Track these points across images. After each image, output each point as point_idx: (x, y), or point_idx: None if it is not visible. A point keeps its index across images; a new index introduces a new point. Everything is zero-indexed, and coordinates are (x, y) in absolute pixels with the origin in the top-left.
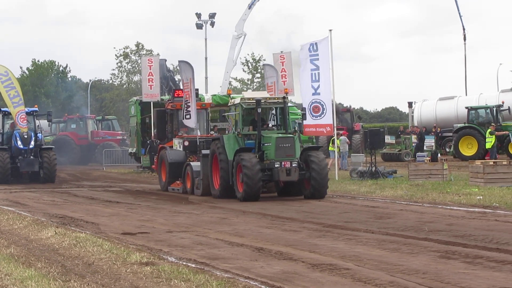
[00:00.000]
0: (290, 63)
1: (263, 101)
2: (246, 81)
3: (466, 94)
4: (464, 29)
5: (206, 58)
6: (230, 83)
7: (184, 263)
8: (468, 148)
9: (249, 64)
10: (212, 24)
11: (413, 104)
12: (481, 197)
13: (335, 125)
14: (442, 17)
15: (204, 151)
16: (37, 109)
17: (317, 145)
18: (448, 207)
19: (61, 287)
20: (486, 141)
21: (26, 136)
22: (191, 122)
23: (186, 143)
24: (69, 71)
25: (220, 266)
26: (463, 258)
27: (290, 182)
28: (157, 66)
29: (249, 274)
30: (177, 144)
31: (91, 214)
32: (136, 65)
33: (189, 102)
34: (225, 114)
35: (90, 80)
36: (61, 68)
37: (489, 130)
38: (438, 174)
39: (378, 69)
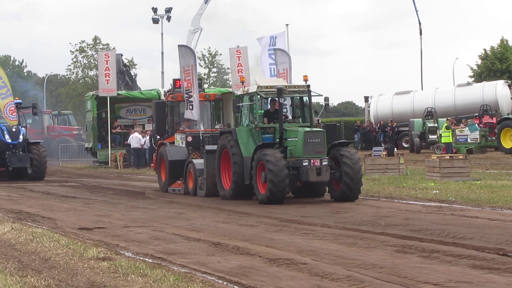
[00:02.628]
0: (246, 58)
1: (284, 89)
2: (203, 75)
3: (422, 89)
4: (420, 24)
5: (162, 53)
6: None
7: (141, 258)
8: (510, 140)
9: (206, 59)
10: (168, 18)
11: (369, 99)
12: (437, 191)
13: None
14: (398, 12)
15: (208, 147)
16: (20, 101)
17: (347, 140)
18: (405, 202)
19: (18, 283)
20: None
21: (14, 130)
22: (193, 114)
23: (190, 139)
24: (26, 66)
25: (177, 261)
26: (419, 253)
27: (311, 182)
28: (113, 61)
29: (206, 269)
30: (179, 139)
31: (47, 209)
32: (93, 60)
33: (191, 92)
34: (239, 104)
35: (46, 75)
36: (17, 63)
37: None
38: (395, 168)
39: (334, 64)
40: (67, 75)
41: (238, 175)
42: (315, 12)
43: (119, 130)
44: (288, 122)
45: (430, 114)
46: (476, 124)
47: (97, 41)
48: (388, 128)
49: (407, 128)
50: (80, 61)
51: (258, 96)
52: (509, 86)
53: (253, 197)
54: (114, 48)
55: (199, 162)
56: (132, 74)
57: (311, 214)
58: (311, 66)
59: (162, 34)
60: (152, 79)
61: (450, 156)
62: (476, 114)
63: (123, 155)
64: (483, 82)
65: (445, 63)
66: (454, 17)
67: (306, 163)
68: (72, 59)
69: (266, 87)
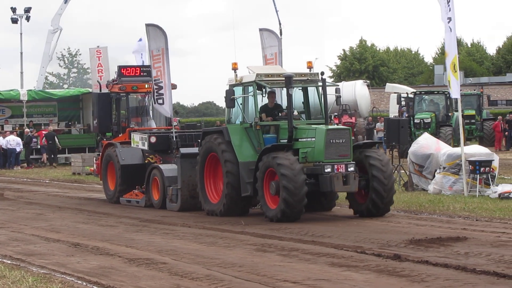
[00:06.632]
0: (106, 57)
1: (294, 77)
2: (62, 76)
3: None
4: (280, 24)
5: (21, 53)
6: (46, 78)
7: None
8: None
9: (66, 59)
10: (28, 18)
11: None
12: None
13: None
14: (258, 12)
15: (184, 150)
16: None
17: (372, 141)
18: None
19: None
20: None
21: None
22: (164, 109)
23: (153, 139)
24: None
25: (36, 262)
26: (279, 251)
27: (319, 193)
28: None
29: (66, 270)
30: (138, 140)
31: None
32: None
33: (161, 82)
34: (234, 97)
35: None
36: None
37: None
38: None
39: (194, 64)
40: None
41: (232, 186)
42: (174, 12)
43: None
44: (294, 118)
45: None
46: None
47: None
48: None
49: None
50: None
51: (257, 87)
52: (368, 86)
53: (250, 212)
54: None
55: (168, 168)
56: None
57: (171, 214)
58: (171, 66)
59: (21, 34)
60: (11, 79)
61: None
62: (336, 113)
63: None
64: (342, 82)
65: (305, 63)
66: (313, 18)
67: (329, 169)
68: None
69: (267, 75)
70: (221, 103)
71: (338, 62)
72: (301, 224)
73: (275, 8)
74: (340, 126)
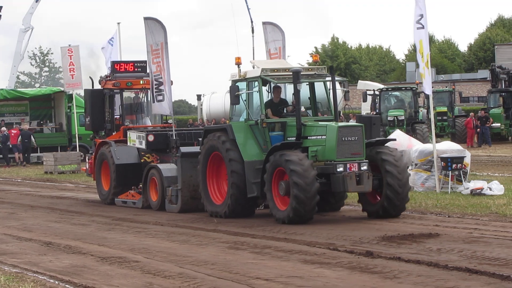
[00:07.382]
0: (78, 56)
1: (302, 72)
2: (34, 75)
3: None
4: (252, 22)
5: None
6: (17, 77)
7: None
8: None
9: (37, 58)
10: None
11: (201, 97)
12: None
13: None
14: (230, 10)
15: (184, 149)
16: None
17: (385, 138)
18: None
19: None
20: None
21: None
22: (164, 107)
23: (151, 138)
24: None
25: (8, 261)
26: (251, 249)
27: (328, 193)
28: None
29: (38, 269)
30: (135, 139)
31: None
32: None
33: (161, 78)
34: (238, 93)
35: None
36: None
37: None
38: None
39: None
40: None
41: (237, 187)
42: (145, 10)
43: None
44: (301, 115)
45: None
46: None
47: None
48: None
49: None
50: None
51: (262, 82)
52: (340, 83)
53: (255, 213)
54: None
55: (167, 167)
56: None
57: (143, 213)
58: None
59: None
60: None
61: None
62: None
63: None
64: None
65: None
66: (285, 15)
67: (341, 169)
68: None
69: (272, 69)
70: (193, 101)
71: (310, 59)
72: (274, 221)
73: (247, 6)
74: (353, 123)
